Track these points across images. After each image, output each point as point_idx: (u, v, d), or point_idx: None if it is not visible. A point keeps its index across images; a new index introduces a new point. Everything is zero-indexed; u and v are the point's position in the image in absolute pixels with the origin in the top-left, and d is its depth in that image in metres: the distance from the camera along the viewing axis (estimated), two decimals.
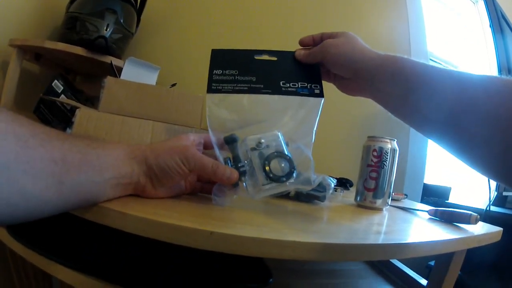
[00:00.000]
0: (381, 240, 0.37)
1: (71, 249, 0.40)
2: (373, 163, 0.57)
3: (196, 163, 0.36)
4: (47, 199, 0.26)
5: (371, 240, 0.36)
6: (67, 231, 0.43)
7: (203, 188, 0.44)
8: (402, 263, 0.72)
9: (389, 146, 0.57)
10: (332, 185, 0.54)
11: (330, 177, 0.56)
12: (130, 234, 0.29)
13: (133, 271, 0.39)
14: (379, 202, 0.56)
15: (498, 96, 0.28)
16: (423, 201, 1.19)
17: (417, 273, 0.68)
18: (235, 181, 0.38)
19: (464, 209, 0.54)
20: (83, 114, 0.51)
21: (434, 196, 1.15)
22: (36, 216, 0.26)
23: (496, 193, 0.99)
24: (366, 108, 1.21)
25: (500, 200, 1.10)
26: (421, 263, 0.96)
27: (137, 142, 0.55)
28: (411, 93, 0.35)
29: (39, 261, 0.39)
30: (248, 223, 0.34)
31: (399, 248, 0.37)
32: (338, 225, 0.42)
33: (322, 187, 0.53)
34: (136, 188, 0.35)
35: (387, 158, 0.56)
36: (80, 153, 0.29)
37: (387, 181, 0.57)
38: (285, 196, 0.53)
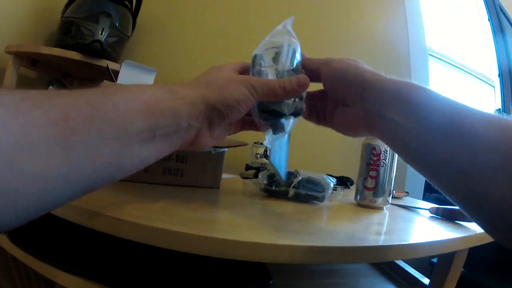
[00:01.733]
0: (381, 241, 0.37)
1: (71, 254, 0.40)
2: (372, 162, 0.56)
3: (264, 88, 0.31)
4: (54, 175, 0.19)
5: (371, 241, 0.35)
6: (67, 236, 0.43)
7: (243, 127, 0.39)
8: (405, 261, 0.71)
9: None
10: (331, 185, 0.54)
11: (329, 176, 0.56)
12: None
13: (133, 275, 0.39)
14: (379, 201, 0.56)
15: None
16: (425, 198, 1.18)
17: (420, 269, 0.67)
18: (308, 84, 0.34)
19: None
20: None
21: (436, 193, 1.14)
22: (48, 202, 0.20)
23: None
24: None
25: None
26: (424, 260, 0.95)
27: None
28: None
29: (40, 266, 0.38)
30: (244, 225, 0.34)
31: (399, 250, 0.36)
32: (337, 226, 0.41)
33: (321, 187, 0.53)
34: (184, 137, 0.29)
35: (386, 156, 0.56)
36: (89, 105, 0.21)
37: (387, 180, 0.56)
38: (284, 196, 0.53)
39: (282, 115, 0.34)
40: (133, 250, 0.41)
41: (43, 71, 0.94)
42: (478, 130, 0.25)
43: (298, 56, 0.38)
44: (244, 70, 0.36)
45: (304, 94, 0.36)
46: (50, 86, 0.74)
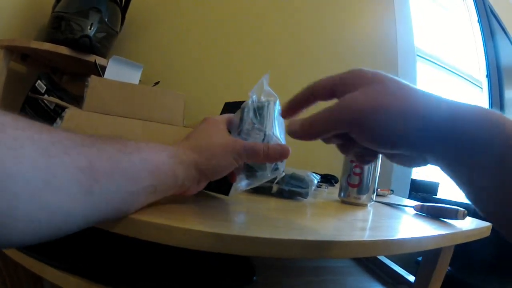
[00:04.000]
0: (366, 236, 0.37)
1: (60, 250, 0.40)
2: None
3: (249, 153, 0.35)
4: (75, 212, 0.23)
5: (355, 237, 0.36)
6: None
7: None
8: (390, 259, 0.72)
9: None
10: (315, 181, 0.54)
11: (313, 173, 0.56)
12: (117, 234, 0.29)
13: (120, 270, 0.39)
14: (363, 198, 0.56)
15: None
16: (411, 196, 1.19)
17: (406, 268, 0.68)
18: (289, 153, 0.36)
19: (453, 205, 0.53)
20: (72, 114, 0.51)
21: (422, 192, 1.14)
22: (64, 231, 0.23)
23: None
24: None
25: None
26: (410, 258, 0.96)
27: None
28: None
29: (28, 262, 0.39)
30: (226, 219, 0.34)
31: (384, 245, 0.36)
32: (321, 222, 0.42)
33: (305, 183, 0.53)
34: (177, 190, 0.33)
35: None
36: (110, 160, 0.26)
37: (371, 177, 0.56)
38: (267, 192, 0.53)
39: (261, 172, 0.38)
40: (119, 245, 0.41)
41: (33, 66, 0.93)
42: None
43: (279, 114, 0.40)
44: (230, 123, 0.40)
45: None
46: (38, 81, 0.73)
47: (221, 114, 0.46)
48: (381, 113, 0.23)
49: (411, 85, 0.25)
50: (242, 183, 0.38)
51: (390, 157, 0.29)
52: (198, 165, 0.33)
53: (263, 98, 0.41)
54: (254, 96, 0.40)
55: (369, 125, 0.24)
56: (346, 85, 0.26)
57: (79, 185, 0.23)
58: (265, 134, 0.38)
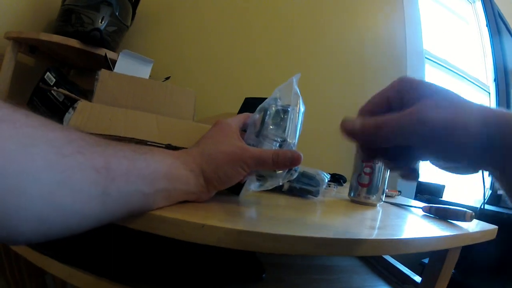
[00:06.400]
0: (374, 235, 0.37)
1: (63, 243, 0.39)
2: None
3: (256, 162, 0.34)
4: (89, 213, 0.22)
5: (364, 235, 0.36)
6: None
7: None
8: (395, 260, 0.72)
9: None
10: (326, 180, 0.54)
11: (323, 173, 0.56)
12: (120, 227, 0.28)
13: (124, 265, 0.39)
14: (373, 197, 0.56)
15: None
16: (416, 198, 1.19)
17: (410, 270, 0.67)
18: (301, 160, 0.35)
19: (458, 207, 0.53)
20: (84, 105, 0.51)
21: (427, 194, 1.15)
22: (76, 231, 0.23)
23: (490, 191, 0.99)
24: (361, 103, 1.22)
25: (494, 199, 1.10)
26: (415, 260, 0.96)
27: (144, 135, 0.53)
28: None
29: (30, 255, 0.38)
30: (240, 215, 0.34)
31: (393, 244, 0.36)
32: (332, 220, 0.42)
33: (315, 181, 0.53)
34: (189, 198, 0.33)
35: None
36: (126, 159, 0.25)
37: (381, 177, 0.56)
38: (278, 190, 0.53)
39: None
40: (123, 240, 0.41)
41: (42, 58, 0.93)
42: None
43: (301, 120, 0.39)
44: (245, 124, 0.39)
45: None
46: (48, 73, 0.73)
47: (240, 108, 0.45)
48: (461, 128, 0.22)
49: (460, 95, 0.24)
50: (252, 185, 0.37)
51: (445, 168, 0.27)
52: (206, 174, 0.32)
53: (285, 101, 0.39)
54: (278, 99, 0.39)
55: (448, 140, 0.22)
56: (405, 96, 0.25)
57: (95, 186, 0.22)
58: (284, 141, 0.37)
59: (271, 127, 0.37)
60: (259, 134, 0.37)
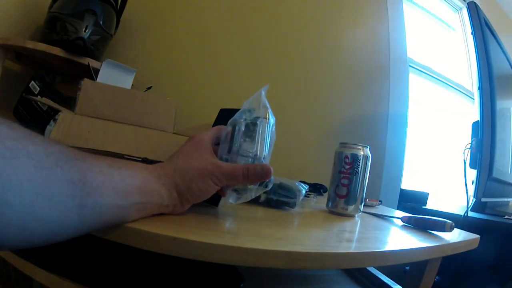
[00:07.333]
0: (352, 248, 0.37)
1: (49, 251, 0.40)
2: (344, 170, 0.57)
3: (228, 177, 0.35)
4: (67, 223, 0.24)
5: (341, 248, 0.36)
6: None
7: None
8: (379, 268, 0.72)
9: (362, 153, 0.57)
10: (303, 191, 0.54)
11: (301, 183, 0.57)
12: (107, 239, 0.29)
13: (108, 275, 0.39)
14: (350, 208, 0.57)
15: None
16: (399, 207, 1.18)
17: (394, 277, 0.68)
18: (271, 174, 0.36)
19: (442, 215, 0.53)
20: (64, 117, 0.51)
21: (411, 202, 1.15)
22: (55, 240, 0.24)
23: (474, 199, 0.99)
24: (341, 113, 1.22)
25: (479, 206, 1.11)
26: (399, 267, 0.96)
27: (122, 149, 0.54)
28: None
29: (19, 263, 0.39)
30: (213, 229, 0.34)
31: (370, 257, 0.36)
32: (307, 233, 0.42)
33: (293, 193, 0.53)
34: (163, 210, 0.34)
35: (359, 165, 0.56)
36: (102, 174, 0.27)
37: (359, 188, 0.57)
38: (255, 202, 0.53)
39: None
40: (108, 249, 0.41)
41: (28, 65, 0.93)
42: None
43: (271, 132, 0.40)
44: (219, 137, 0.40)
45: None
46: (32, 82, 0.73)
47: (215, 120, 0.45)
48: None
49: None
50: (231, 199, 0.38)
51: None
52: (179, 188, 0.34)
53: (255, 113, 0.40)
54: (245, 115, 0.39)
55: None
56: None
57: (72, 198, 0.24)
58: (254, 157, 0.37)
59: (240, 142, 0.38)
60: (231, 151, 0.38)
